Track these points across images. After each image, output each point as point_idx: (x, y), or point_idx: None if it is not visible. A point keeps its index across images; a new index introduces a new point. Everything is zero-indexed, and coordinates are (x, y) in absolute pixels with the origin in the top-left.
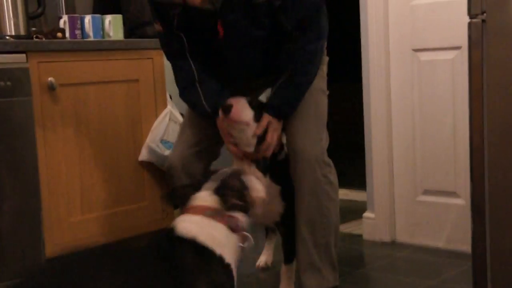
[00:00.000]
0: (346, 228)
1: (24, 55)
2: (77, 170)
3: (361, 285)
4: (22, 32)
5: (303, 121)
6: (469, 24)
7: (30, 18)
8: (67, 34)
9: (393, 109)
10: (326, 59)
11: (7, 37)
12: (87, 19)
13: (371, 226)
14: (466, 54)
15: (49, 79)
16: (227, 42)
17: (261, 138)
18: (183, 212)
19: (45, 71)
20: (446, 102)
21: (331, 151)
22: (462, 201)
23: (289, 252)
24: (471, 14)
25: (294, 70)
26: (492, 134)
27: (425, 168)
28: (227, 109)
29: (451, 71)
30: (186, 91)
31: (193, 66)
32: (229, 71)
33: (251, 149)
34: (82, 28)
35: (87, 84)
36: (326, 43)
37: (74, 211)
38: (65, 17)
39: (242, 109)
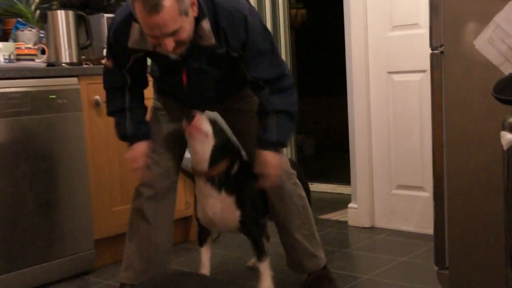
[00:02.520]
0: (334, 216)
1: (76, 78)
2: (117, 169)
3: (347, 262)
4: (75, 60)
5: None
6: (431, 54)
7: (81, 48)
8: None
9: (372, 119)
10: None
11: (63, 64)
12: None
13: (354, 214)
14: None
15: (96, 97)
16: (189, 85)
17: (214, 159)
18: None
19: (92, 91)
20: (414, 114)
21: (322, 153)
22: (427, 194)
23: (259, 252)
24: (432, 47)
25: (279, 107)
26: (449, 140)
27: (398, 167)
28: (190, 118)
29: (419, 89)
30: (115, 114)
31: (128, 97)
32: (185, 102)
33: (204, 166)
34: None
35: None
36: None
37: (115, 202)
38: None
39: (203, 120)
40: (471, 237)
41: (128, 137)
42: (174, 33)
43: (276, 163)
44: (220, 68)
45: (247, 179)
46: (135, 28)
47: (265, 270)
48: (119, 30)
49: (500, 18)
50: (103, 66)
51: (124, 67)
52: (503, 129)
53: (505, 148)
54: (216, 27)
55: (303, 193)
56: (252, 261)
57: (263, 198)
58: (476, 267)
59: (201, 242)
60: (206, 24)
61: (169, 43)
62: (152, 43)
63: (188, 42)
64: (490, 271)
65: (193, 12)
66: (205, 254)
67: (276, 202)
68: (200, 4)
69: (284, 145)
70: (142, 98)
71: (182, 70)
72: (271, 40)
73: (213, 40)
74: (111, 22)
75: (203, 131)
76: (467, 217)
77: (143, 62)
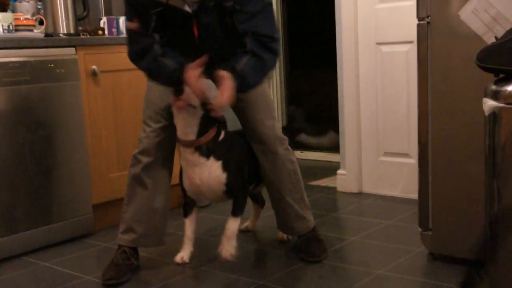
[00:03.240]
0: (324, 182)
1: (73, 48)
2: (114, 137)
3: (336, 226)
4: (72, 31)
5: (258, 111)
6: (418, 25)
7: (78, 19)
8: (106, 32)
9: (361, 90)
10: None
11: (61, 35)
12: (121, 19)
13: (343, 180)
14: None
15: (93, 67)
16: (200, 40)
17: (202, 129)
18: None
19: (89, 61)
20: (401, 84)
21: (313, 123)
22: (413, 161)
23: (237, 208)
24: (419, 17)
25: (259, 48)
26: (434, 108)
27: (385, 135)
28: (179, 92)
29: (406, 60)
30: (151, 65)
31: (158, 51)
32: (193, 56)
33: (192, 136)
34: (117, 26)
35: (122, 71)
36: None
37: (112, 168)
38: (104, 19)
39: (192, 94)
40: (454, 200)
41: (174, 69)
42: None
43: (229, 91)
44: (227, 24)
45: (232, 145)
46: None
47: (234, 227)
48: None
49: None
50: (126, 32)
51: (148, 29)
52: (485, 96)
53: (486, 114)
54: None
55: (294, 159)
56: (245, 225)
57: (252, 167)
58: (457, 229)
59: (186, 213)
60: None
61: None
62: None
63: None
64: (470, 232)
65: None
66: (189, 226)
67: (269, 167)
68: None
69: (243, 83)
70: (171, 48)
71: (193, 23)
72: (270, 2)
73: None
74: None
75: (192, 105)
76: (450, 181)
77: (163, 21)
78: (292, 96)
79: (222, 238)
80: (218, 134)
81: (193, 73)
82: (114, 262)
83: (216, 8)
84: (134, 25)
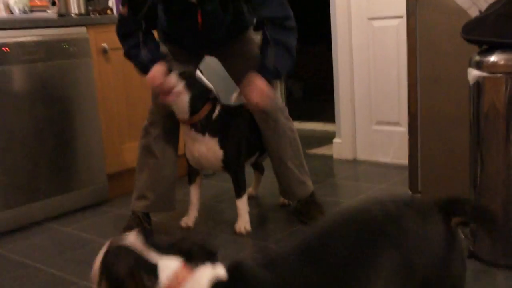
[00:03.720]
0: (321, 150)
1: (84, 27)
2: (125, 110)
3: (332, 190)
4: (83, 11)
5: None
6: (407, 0)
7: (87, 0)
8: (114, 11)
9: (354, 63)
10: None
11: (72, 15)
12: None
13: (338, 148)
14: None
15: (103, 44)
16: (203, 27)
17: (193, 108)
18: None
19: (100, 39)
20: (392, 56)
21: (311, 95)
22: (403, 129)
23: (239, 188)
24: None
25: (282, 38)
26: (423, 79)
27: (377, 105)
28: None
29: (396, 34)
30: (131, 50)
31: (141, 36)
32: (194, 44)
33: (186, 115)
34: None
35: None
36: None
37: (124, 140)
38: None
39: (171, 83)
40: (441, 165)
41: (147, 63)
42: None
43: (265, 90)
44: (229, 10)
45: (229, 121)
46: None
47: (243, 206)
48: None
49: None
50: (117, 14)
51: (138, 14)
52: (470, 66)
53: (471, 83)
54: None
55: (294, 128)
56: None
57: (255, 137)
58: (444, 191)
59: (190, 181)
60: None
61: None
62: None
63: None
64: (460, 192)
65: None
66: (194, 193)
67: (270, 135)
68: None
69: (279, 74)
70: (153, 36)
71: (197, 11)
72: None
73: None
74: None
75: (174, 93)
76: (437, 147)
77: (155, 10)
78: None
79: (238, 216)
80: (212, 110)
81: (157, 71)
82: (128, 227)
83: None
84: (124, 10)
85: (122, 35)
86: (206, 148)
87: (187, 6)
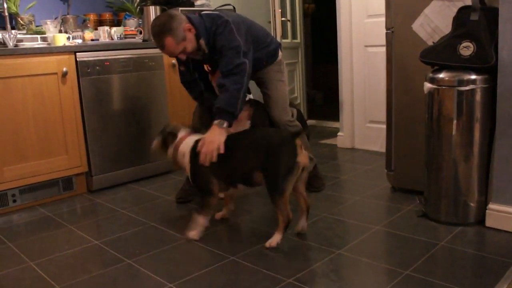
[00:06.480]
0: (328, 141)
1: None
2: (187, 108)
3: (334, 169)
4: None
5: (273, 102)
6: (386, 33)
7: None
8: None
9: (354, 78)
10: (283, 62)
11: (149, 41)
12: None
13: (341, 139)
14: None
15: (172, 61)
16: (210, 70)
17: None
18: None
19: (170, 58)
20: (380, 74)
21: (328, 102)
22: None
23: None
24: (386, 28)
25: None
26: (396, 89)
27: (370, 109)
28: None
29: (384, 57)
30: (198, 99)
31: (199, 83)
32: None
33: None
34: None
35: None
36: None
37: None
38: None
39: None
40: (408, 150)
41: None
42: (182, 51)
43: (211, 138)
44: (216, 61)
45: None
46: None
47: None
48: None
49: (427, 10)
50: (179, 70)
51: (189, 67)
52: (426, 80)
53: (425, 92)
54: (211, 40)
55: (296, 123)
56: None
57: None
58: (411, 169)
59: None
60: (202, 42)
61: (182, 56)
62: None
63: (196, 50)
64: (419, 171)
65: (191, 34)
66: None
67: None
68: (197, 29)
69: (229, 112)
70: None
71: (204, 63)
72: (233, 44)
73: (206, 50)
74: None
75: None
76: (406, 138)
77: (193, 63)
78: (312, 82)
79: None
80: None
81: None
82: (183, 188)
83: (212, 55)
84: (181, 68)
85: (185, 83)
86: None
87: (199, 61)
